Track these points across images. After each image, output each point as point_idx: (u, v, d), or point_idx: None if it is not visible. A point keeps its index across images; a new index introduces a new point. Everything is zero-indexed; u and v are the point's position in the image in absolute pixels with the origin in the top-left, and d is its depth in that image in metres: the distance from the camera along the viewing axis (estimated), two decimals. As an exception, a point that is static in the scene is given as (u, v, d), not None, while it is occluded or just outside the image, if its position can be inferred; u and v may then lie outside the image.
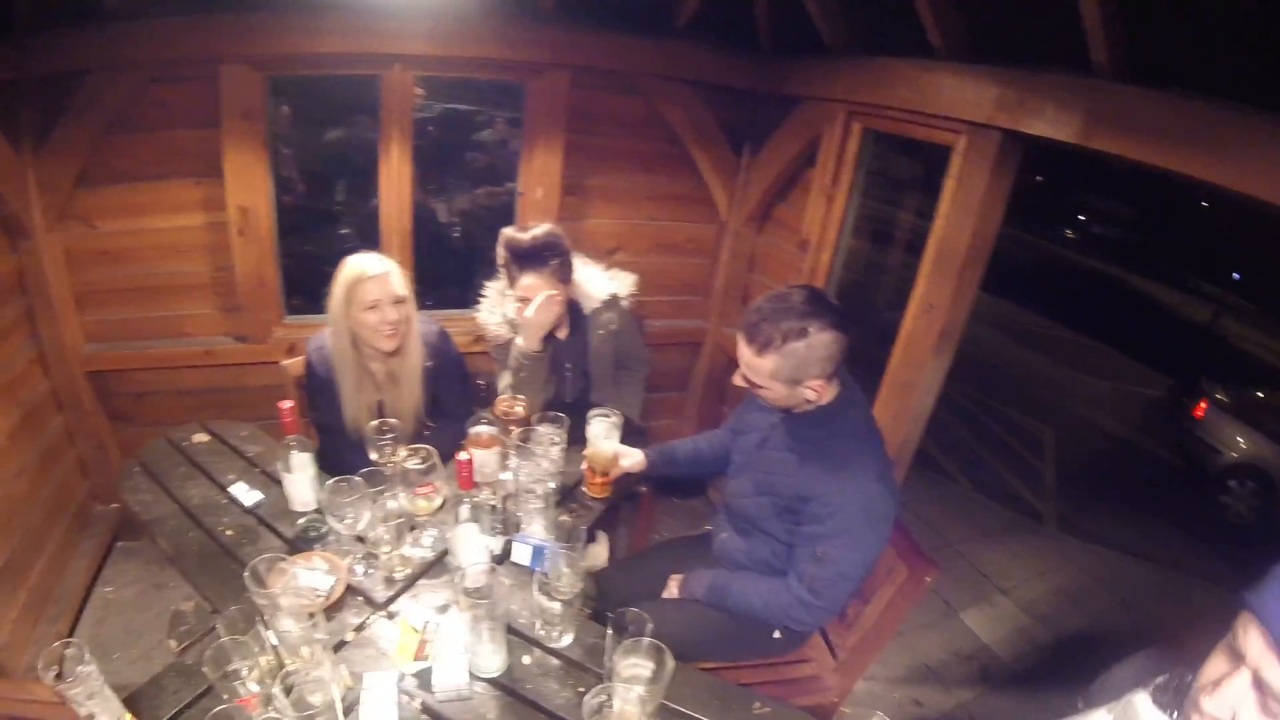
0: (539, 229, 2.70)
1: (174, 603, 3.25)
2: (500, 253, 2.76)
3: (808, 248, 3.39)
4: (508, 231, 2.74)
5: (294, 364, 2.94)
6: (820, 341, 1.85)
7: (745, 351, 1.93)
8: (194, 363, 3.48)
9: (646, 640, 1.55)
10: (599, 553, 3.07)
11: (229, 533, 2.16)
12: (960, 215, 2.60)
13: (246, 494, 2.31)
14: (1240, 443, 7.18)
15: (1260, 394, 7.85)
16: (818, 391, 1.94)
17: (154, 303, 3.40)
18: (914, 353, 2.81)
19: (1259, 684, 0.81)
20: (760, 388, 1.96)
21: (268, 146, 3.24)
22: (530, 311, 2.71)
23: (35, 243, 3.02)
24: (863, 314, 3.46)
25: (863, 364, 3.03)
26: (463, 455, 2.06)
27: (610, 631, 1.61)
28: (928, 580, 2.10)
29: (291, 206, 3.60)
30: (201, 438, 2.61)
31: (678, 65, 3.46)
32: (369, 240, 3.60)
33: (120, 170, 3.12)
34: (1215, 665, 0.88)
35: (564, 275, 2.75)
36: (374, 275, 2.46)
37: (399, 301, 2.50)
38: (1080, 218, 19.41)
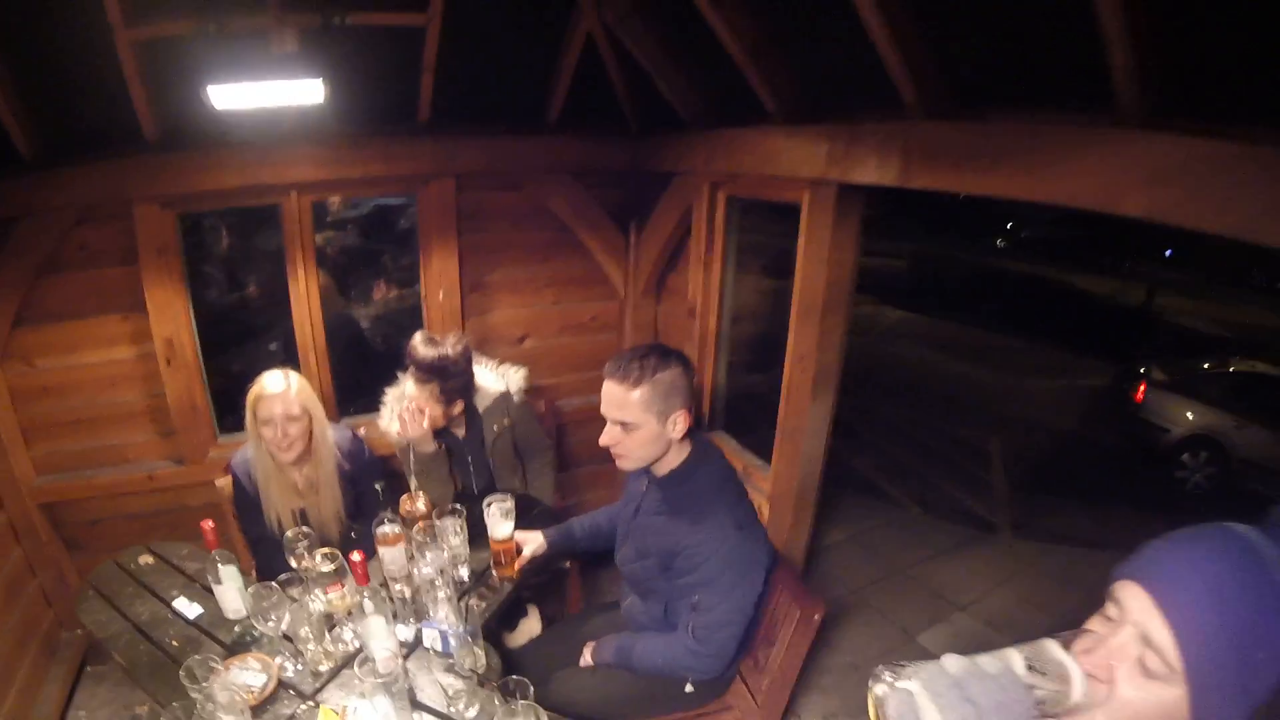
0: (440, 350, 2.86)
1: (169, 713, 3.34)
2: (406, 353, 2.94)
3: (694, 313, 3.57)
4: (415, 339, 2.91)
5: (227, 482, 3.09)
6: (678, 374, 2.13)
7: (617, 391, 2.13)
8: (137, 488, 3.60)
9: (522, 703, 1.70)
10: (531, 626, 3.17)
11: (175, 643, 2.35)
12: (814, 267, 2.76)
13: (188, 607, 2.51)
14: (1187, 416, 7.42)
15: (1205, 365, 8.15)
16: (685, 424, 2.15)
17: (96, 433, 3.53)
18: (796, 400, 2.96)
19: (1144, 640, 0.89)
20: (634, 429, 2.13)
21: (185, 279, 3.40)
22: (394, 429, 2.97)
23: (-21, 383, 3.14)
24: (765, 367, 3.62)
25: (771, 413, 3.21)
26: (355, 556, 2.19)
27: (498, 700, 1.74)
28: (817, 618, 2.23)
29: (219, 327, 3.76)
30: (147, 559, 2.79)
31: (553, 158, 3.67)
32: (294, 354, 3.74)
33: (53, 309, 3.27)
34: (1092, 631, 0.96)
35: (446, 398, 2.93)
36: (269, 394, 2.68)
37: (292, 418, 2.68)
38: (1008, 225, 19.79)
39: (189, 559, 2.79)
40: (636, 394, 2.10)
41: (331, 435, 2.87)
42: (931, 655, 2.85)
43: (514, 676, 1.79)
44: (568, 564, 3.32)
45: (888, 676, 0.89)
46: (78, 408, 3.47)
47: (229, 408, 3.70)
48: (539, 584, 2.82)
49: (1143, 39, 1.57)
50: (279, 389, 2.69)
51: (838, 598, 4.13)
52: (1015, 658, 0.88)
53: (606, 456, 4.39)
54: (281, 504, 2.79)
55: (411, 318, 4.22)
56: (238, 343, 4.52)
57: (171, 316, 3.37)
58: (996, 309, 12.25)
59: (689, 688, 2.38)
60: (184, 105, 3.02)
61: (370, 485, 2.89)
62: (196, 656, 1.92)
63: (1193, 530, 0.94)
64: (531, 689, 1.75)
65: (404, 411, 2.90)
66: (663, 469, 2.26)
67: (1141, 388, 7.82)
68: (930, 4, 2.05)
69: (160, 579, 2.68)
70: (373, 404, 3.50)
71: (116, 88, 2.83)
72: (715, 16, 2.56)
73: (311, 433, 2.77)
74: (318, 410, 2.80)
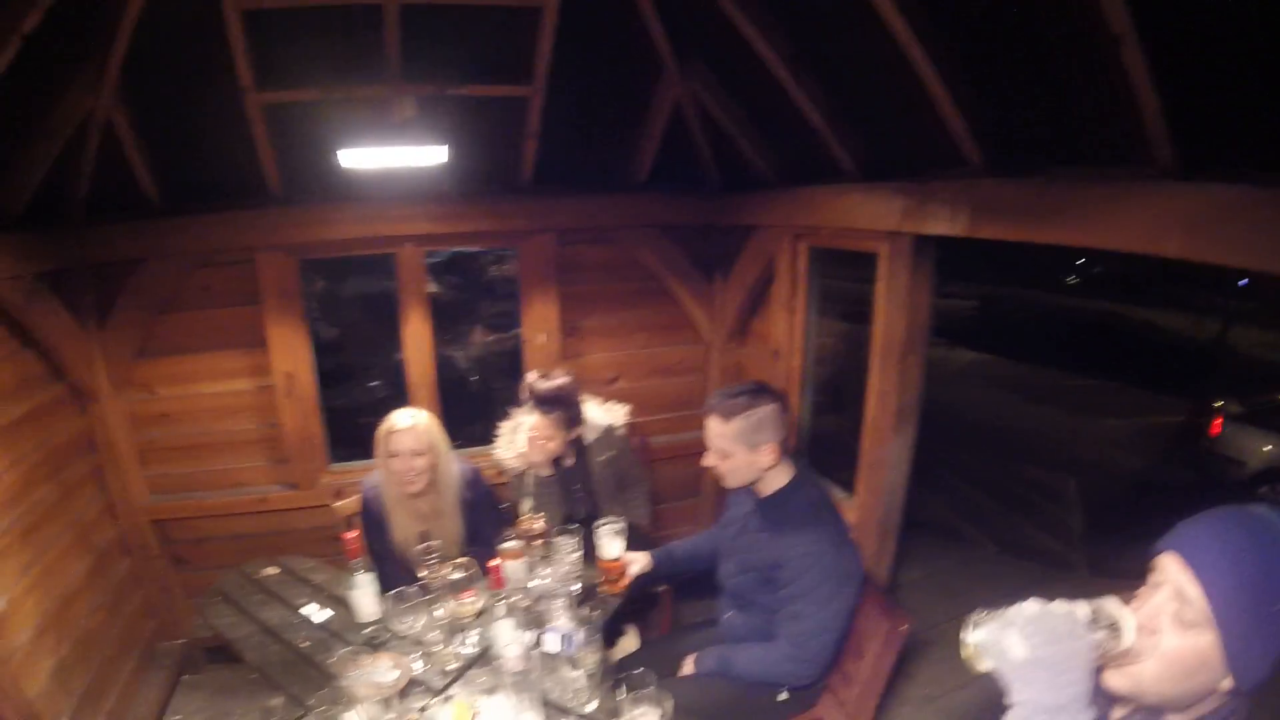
0: (555, 382, 3.16)
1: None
2: (521, 391, 3.21)
3: (779, 355, 3.78)
4: (531, 376, 3.21)
5: (345, 504, 3.36)
6: (768, 410, 2.39)
7: (714, 424, 2.42)
8: (249, 510, 3.87)
9: (650, 689, 1.91)
10: (629, 644, 3.37)
11: (305, 644, 2.55)
12: (893, 311, 2.97)
13: (317, 613, 2.72)
14: (1264, 449, 7.22)
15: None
16: (772, 456, 2.41)
17: (210, 458, 3.82)
18: (878, 435, 3.16)
19: (1179, 596, 1.11)
20: (728, 456, 2.42)
21: (305, 319, 3.71)
22: (509, 456, 3.25)
23: (101, 406, 3.49)
24: (843, 405, 3.82)
25: (849, 451, 3.39)
26: (493, 562, 2.45)
27: (623, 688, 1.95)
28: (903, 630, 2.42)
29: (327, 364, 4.04)
30: (271, 570, 3.03)
31: (644, 213, 3.96)
32: (398, 390, 4.04)
33: (174, 343, 3.60)
34: (1139, 595, 1.20)
35: (566, 424, 3.19)
36: (398, 430, 2.91)
37: (418, 454, 2.91)
38: (1079, 261, 19.18)
39: (313, 571, 3.04)
40: (728, 427, 2.38)
41: (455, 468, 3.12)
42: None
43: (639, 669, 1.99)
44: (661, 589, 3.54)
45: (982, 616, 1.17)
46: (194, 434, 3.78)
47: (336, 438, 4.02)
48: (635, 608, 3.04)
49: (1172, 103, 1.80)
50: (407, 424, 2.92)
51: (915, 633, 4.17)
52: (1081, 607, 1.14)
53: (692, 492, 4.65)
54: (408, 528, 3.02)
55: (507, 360, 4.52)
56: (338, 380, 4.84)
57: (291, 352, 3.69)
58: (1069, 349, 12.01)
59: (784, 696, 2.55)
60: (306, 162, 3.36)
61: (488, 514, 3.15)
62: (348, 648, 2.19)
63: (1216, 509, 1.17)
64: (655, 677, 1.96)
65: (530, 439, 3.15)
66: (766, 490, 2.51)
67: (1217, 422, 7.61)
68: (985, 74, 2.29)
69: (286, 588, 2.92)
70: (471, 439, 3.78)
71: (244, 144, 3.17)
72: (795, 88, 2.84)
73: (436, 466, 3.00)
74: (443, 446, 3.04)
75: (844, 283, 3.86)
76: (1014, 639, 1.11)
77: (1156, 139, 1.89)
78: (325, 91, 3.11)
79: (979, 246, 2.72)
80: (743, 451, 2.40)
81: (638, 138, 3.76)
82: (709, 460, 2.49)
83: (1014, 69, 2.26)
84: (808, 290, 3.65)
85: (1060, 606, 1.13)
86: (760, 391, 2.44)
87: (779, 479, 2.49)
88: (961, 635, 1.19)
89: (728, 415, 2.39)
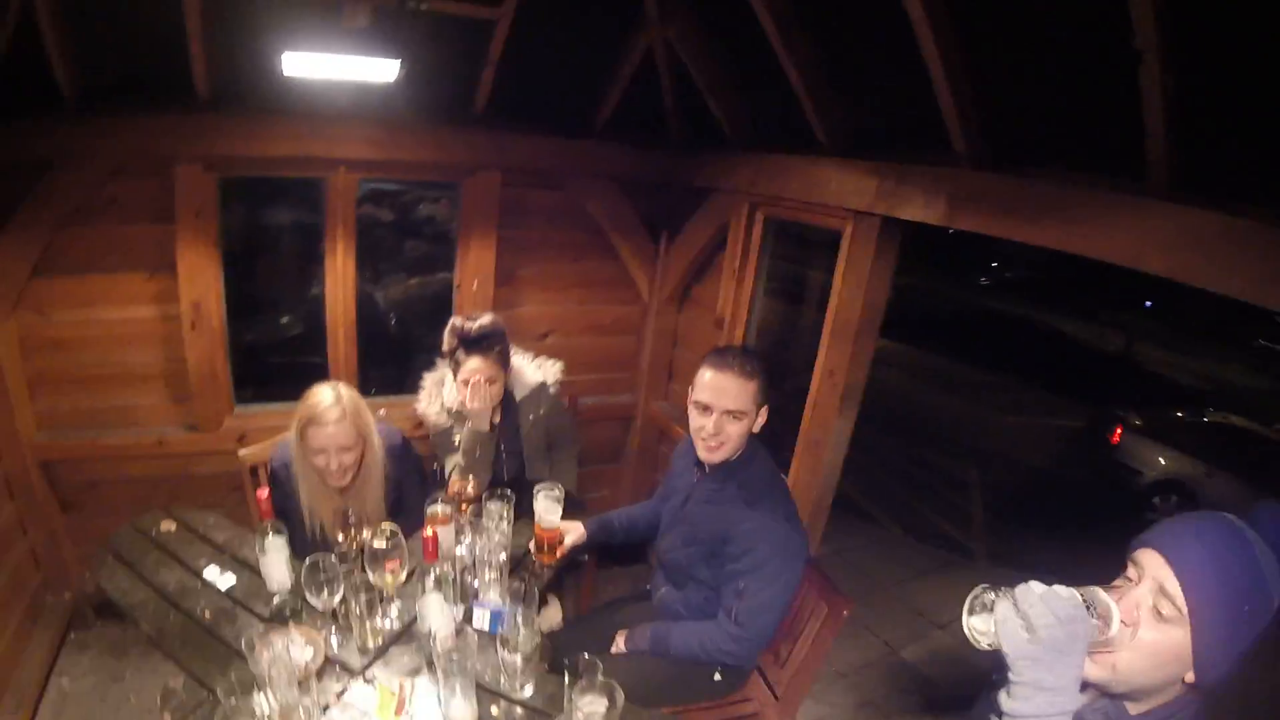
0: (484, 318, 2.95)
1: (154, 685, 3.27)
2: (448, 340, 2.97)
3: (723, 324, 3.69)
4: (456, 320, 2.97)
5: (251, 453, 3.09)
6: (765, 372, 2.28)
7: (734, 382, 2.23)
8: (146, 453, 3.51)
9: (599, 679, 1.77)
10: (552, 615, 3.25)
11: (207, 614, 2.27)
12: (852, 291, 2.90)
13: (220, 578, 2.43)
14: (1160, 461, 7.62)
15: (1179, 414, 8.42)
16: (763, 420, 2.31)
17: (105, 392, 3.43)
18: (821, 414, 3.11)
19: (1159, 591, 1.15)
20: (740, 418, 2.25)
21: (219, 244, 3.36)
22: (470, 401, 2.94)
23: (-12, 329, 3.06)
24: (781, 380, 3.76)
25: (785, 424, 3.32)
26: (428, 531, 2.25)
27: (566, 677, 1.81)
28: (845, 614, 2.34)
29: (235, 295, 3.64)
30: (168, 525, 2.70)
31: (598, 162, 3.76)
32: (312, 327, 3.74)
33: (74, 261, 3.17)
34: (1117, 587, 1.22)
35: (504, 362, 3.00)
36: (324, 425, 2.51)
37: (346, 449, 2.56)
38: (993, 264, 19.98)
39: (215, 528, 2.71)
40: (753, 385, 2.24)
41: (380, 447, 2.76)
42: (913, 667, 2.98)
43: (584, 655, 1.85)
44: (586, 557, 3.41)
45: (989, 596, 1.18)
46: (89, 364, 3.38)
47: (243, 379, 3.71)
48: (558, 577, 2.90)
49: (1177, 125, 1.82)
50: (335, 416, 2.52)
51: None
52: (1076, 592, 1.14)
53: (615, 457, 4.53)
54: (325, 511, 2.69)
55: (428, 306, 4.27)
56: (247, 313, 4.52)
57: (202, 281, 3.33)
58: (979, 345, 12.25)
59: (717, 676, 2.47)
60: (240, 66, 3.01)
61: (413, 486, 2.93)
62: (257, 629, 1.92)
63: (1193, 514, 1.24)
64: (601, 666, 1.82)
65: (474, 384, 2.93)
66: (718, 460, 2.37)
67: (1118, 430, 8.00)
68: (988, 64, 2.23)
69: (186, 547, 2.59)
70: (386, 384, 3.52)
71: (174, 40, 2.78)
72: (780, 47, 2.70)
73: (364, 455, 2.67)
74: (370, 430, 2.69)
75: (784, 263, 3.79)
76: (1022, 619, 1.12)
77: (1155, 158, 1.92)
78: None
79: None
80: (753, 413, 2.27)
81: (602, 82, 3.56)
82: (715, 426, 2.27)
83: (1021, 65, 2.22)
84: (759, 262, 3.57)
85: (1063, 590, 1.15)
86: (755, 353, 2.34)
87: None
88: (964, 615, 1.22)
89: (751, 373, 2.23)
